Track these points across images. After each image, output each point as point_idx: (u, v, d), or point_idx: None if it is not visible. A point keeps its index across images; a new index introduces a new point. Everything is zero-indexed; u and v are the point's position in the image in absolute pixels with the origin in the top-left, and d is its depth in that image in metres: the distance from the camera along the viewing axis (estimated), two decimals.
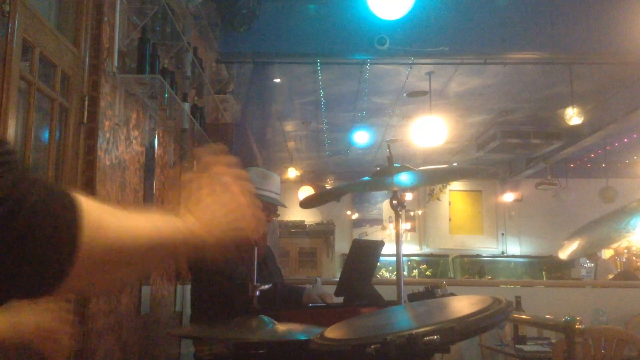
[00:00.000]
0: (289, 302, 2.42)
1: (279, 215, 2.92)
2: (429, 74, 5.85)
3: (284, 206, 2.75)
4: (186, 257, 0.73)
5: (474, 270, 10.11)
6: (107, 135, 2.41)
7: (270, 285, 1.82)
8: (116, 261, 0.62)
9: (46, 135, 2.08)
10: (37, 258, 0.52)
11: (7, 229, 0.51)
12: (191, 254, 0.72)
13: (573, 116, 5.62)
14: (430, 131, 5.87)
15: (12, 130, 1.73)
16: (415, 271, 10.57)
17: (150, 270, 0.71)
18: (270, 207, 2.66)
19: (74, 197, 0.57)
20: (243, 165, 0.84)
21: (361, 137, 7.80)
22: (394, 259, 1.84)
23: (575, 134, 7.63)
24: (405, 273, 10.16)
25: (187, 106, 3.24)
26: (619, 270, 8.20)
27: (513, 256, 11.01)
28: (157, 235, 0.67)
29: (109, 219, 0.60)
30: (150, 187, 3.00)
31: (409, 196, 10.92)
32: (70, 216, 0.55)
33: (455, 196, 11.53)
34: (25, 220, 0.52)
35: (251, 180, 2.69)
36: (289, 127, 8.19)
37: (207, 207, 0.77)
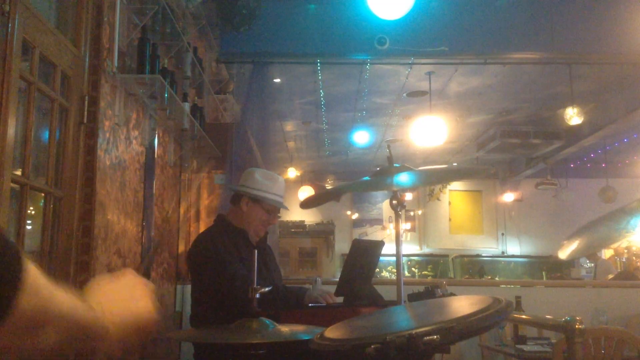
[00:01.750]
0: (291, 303, 2.42)
1: (280, 217, 2.93)
2: (429, 74, 5.85)
3: (286, 209, 2.75)
4: (92, 339, 0.77)
5: (474, 270, 10.11)
6: (107, 135, 2.41)
7: (271, 287, 1.82)
8: (40, 327, 0.63)
9: (46, 135, 2.08)
10: None
11: None
12: (97, 337, 0.76)
13: (573, 116, 5.62)
14: (430, 131, 5.87)
15: (12, 130, 1.73)
16: (415, 270, 10.57)
17: (62, 350, 0.74)
18: (273, 209, 2.66)
19: (19, 258, 0.58)
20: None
21: (361, 137, 7.80)
22: (394, 259, 1.84)
23: (575, 134, 7.63)
24: (406, 273, 10.19)
25: (187, 106, 3.24)
26: (619, 270, 8.20)
27: (513, 256, 11.01)
28: (77, 312, 0.70)
29: (46, 284, 0.62)
30: (150, 187, 3.00)
31: (409, 196, 10.92)
32: (15, 272, 0.56)
33: (455, 196, 11.53)
34: None
35: (256, 182, 2.67)
36: (289, 127, 8.19)
37: (111, 300, 0.82)
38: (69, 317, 0.67)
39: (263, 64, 4.89)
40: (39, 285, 0.61)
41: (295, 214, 10.72)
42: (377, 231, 11.20)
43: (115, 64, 2.45)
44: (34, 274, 0.59)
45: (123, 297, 0.83)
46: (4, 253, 0.56)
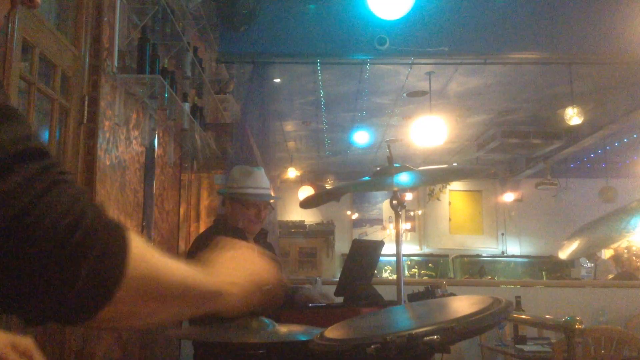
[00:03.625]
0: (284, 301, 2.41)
1: (272, 208, 2.89)
2: (429, 74, 5.85)
3: (271, 199, 2.71)
4: (213, 307, 0.77)
5: (474, 270, 10.10)
6: (107, 135, 2.41)
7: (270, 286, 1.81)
8: (154, 295, 0.63)
9: (46, 135, 2.08)
10: (87, 277, 0.53)
11: (66, 242, 0.52)
12: (217, 304, 0.77)
13: (573, 116, 5.62)
14: (430, 131, 5.87)
15: None
16: (415, 270, 10.57)
17: (181, 315, 0.76)
18: (253, 204, 2.60)
19: (123, 225, 0.59)
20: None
21: (361, 137, 7.80)
22: (394, 259, 1.84)
23: (575, 134, 7.63)
24: (406, 273, 10.19)
25: (187, 106, 3.24)
26: (619, 270, 8.20)
27: (513, 256, 11.00)
28: (192, 278, 0.70)
29: (152, 253, 0.63)
30: (150, 187, 3.00)
31: (409, 196, 10.92)
32: (120, 242, 0.57)
33: (455, 196, 11.53)
34: (82, 236, 0.53)
35: (233, 180, 2.67)
36: (289, 127, 8.19)
37: (231, 266, 0.84)
38: (182, 284, 0.67)
39: (263, 64, 4.89)
40: (146, 254, 0.61)
41: (295, 214, 10.73)
42: (377, 231, 11.20)
43: (115, 64, 2.45)
44: (140, 244, 0.60)
45: (244, 260, 0.85)
46: (109, 225, 0.57)
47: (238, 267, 0.84)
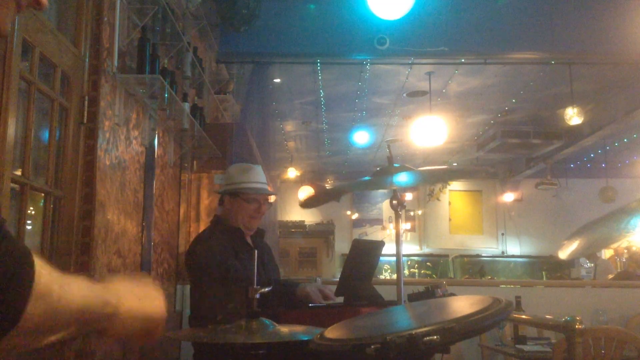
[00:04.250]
0: (284, 297, 2.41)
1: (271, 203, 2.91)
2: (429, 74, 5.85)
3: (270, 194, 2.73)
4: (103, 328, 0.78)
5: (474, 270, 10.10)
6: (107, 135, 2.41)
7: (271, 287, 1.82)
8: (50, 327, 0.64)
9: (46, 135, 2.08)
10: None
11: None
12: (107, 325, 0.78)
13: (573, 116, 5.62)
14: (430, 131, 5.87)
15: (12, 131, 1.73)
16: (415, 270, 10.57)
17: (71, 334, 0.77)
18: (254, 198, 2.63)
19: (31, 259, 0.59)
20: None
21: (361, 137, 7.80)
22: (394, 259, 1.84)
23: (575, 134, 7.63)
24: (406, 273, 10.19)
25: (187, 106, 3.24)
26: (618, 270, 8.20)
27: (513, 256, 11.00)
28: (88, 303, 0.71)
29: (55, 288, 0.63)
30: (150, 187, 3.00)
31: (409, 196, 10.93)
32: (25, 281, 0.57)
33: (455, 196, 11.53)
34: None
35: (231, 177, 2.67)
36: (289, 127, 8.19)
37: (128, 291, 0.85)
38: (79, 314, 0.69)
39: (263, 64, 4.89)
40: (49, 290, 0.62)
41: (295, 214, 10.72)
42: (377, 231, 11.20)
43: (115, 64, 2.45)
44: (44, 279, 0.60)
45: (139, 292, 0.86)
46: (15, 262, 0.57)
47: (132, 291, 0.85)
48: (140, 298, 0.85)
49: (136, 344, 0.86)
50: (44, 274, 0.61)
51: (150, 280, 0.92)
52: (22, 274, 0.57)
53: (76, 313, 0.68)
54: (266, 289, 1.68)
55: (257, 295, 1.64)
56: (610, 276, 7.31)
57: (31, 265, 0.58)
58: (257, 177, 2.65)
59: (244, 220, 2.62)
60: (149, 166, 2.97)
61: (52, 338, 0.66)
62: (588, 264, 9.42)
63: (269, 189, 2.76)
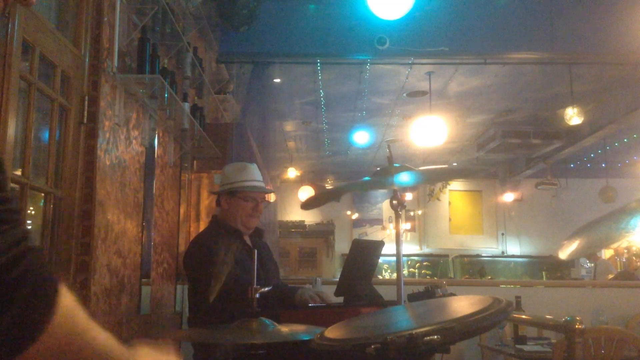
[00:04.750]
0: (282, 301, 2.41)
1: (269, 201, 2.91)
2: (429, 74, 5.85)
3: (266, 191, 2.72)
4: None
5: (474, 270, 10.10)
6: (107, 135, 2.41)
7: (270, 287, 1.82)
8: (71, 356, 0.61)
9: (46, 135, 2.08)
10: (9, 323, 0.51)
11: None
12: None
13: (573, 116, 5.62)
14: (430, 131, 5.87)
15: (12, 130, 1.73)
16: (415, 270, 10.56)
17: None
18: (251, 196, 2.63)
19: (57, 277, 0.57)
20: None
21: (361, 137, 7.79)
22: (394, 259, 1.84)
23: (575, 134, 7.63)
24: (405, 272, 10.19)
25: (187, 106, 3.24)
26: (619, 270, 8.20)
27: (513, 256, 11.01)
28: (110, 350, 0.67)
29: (81, 314, 0.61)
30: (150, 187, 3.00)
31: (409, 196, 10.93)
32: (50, 295, 0.56)
33: (455, 196, 11.53)
34: (15, 280, 0.51)
35: (227, 177, 2.68)
36: (289, 127, 8.19)
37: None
38: (101, 353, 0.66)
39: (263, 64, 4.89)
40: (75, 315, 0.60)
41: (295, 214, 10.72)
42: (377, 231, 11.20)
43: (115, 64, 2.45)
44: (71, 303, 0.58)
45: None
46: (41, 273, 0.55)
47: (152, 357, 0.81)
48: None
49: None
50: (71, 298, 0.59)
51: (172, 350, 0.88)
52: (50, 288, 0.56)
53: (100, 354, 0.64)
54: (265, 289, 1.68)
55: (257, 295, 1.64)
56: (610, 276, 7.32)
57: (57, 283, 0.57)
58: (253, 175, 2.65)
59: (242, 219, 2.62)
60: (149, 166, 2.97)
61: None
62: (588, 264, 9.43)
63: (267, 187, 2.76)
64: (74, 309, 0.60)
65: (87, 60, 2.31)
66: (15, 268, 0.51)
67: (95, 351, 0.64)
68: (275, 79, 5.80)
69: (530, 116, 7.64)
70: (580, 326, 1.96)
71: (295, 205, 10.13)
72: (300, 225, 10.95)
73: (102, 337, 0.65)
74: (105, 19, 2.39)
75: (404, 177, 1.80)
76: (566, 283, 5.60)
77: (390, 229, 10.79)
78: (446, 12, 4.81)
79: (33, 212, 2.13)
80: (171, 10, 3.06)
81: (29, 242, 0.55)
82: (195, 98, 3.77)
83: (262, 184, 2.68)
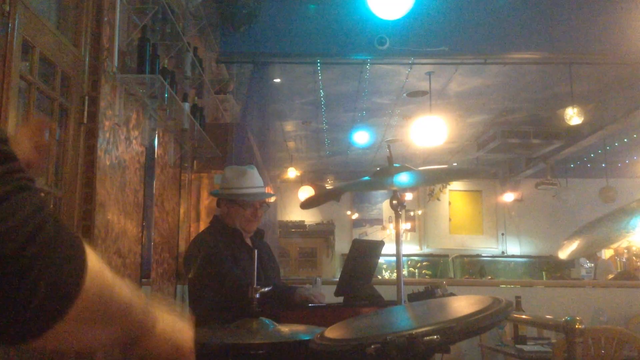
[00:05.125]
0: (281, 300, 2.41)
1: (269, 205, 2.91)
2: (429, 74, 5.85)
3: (265, 197, 2.72)
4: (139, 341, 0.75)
5: (474, 270, 10.11)
6: (107, 135, 2.41)
7: (271, 287, 1.81)
8: (103, 313, 0.61)
9: (46, 135, 2.08)
10: (44, 292, 0.50)
11: (23, 252, 0.49)
12: (141, 337, 0.74)
13: (573, 116, 5.62)
14: (430, 131, 5.87)
15: (12, 131, 1.73)
16: (414, 269, 10.56)
17: (112, 342, 0.74)
18: (249, 204, 2.62)
19: (80, 238, 0.57)
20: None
21: (361, 137, 7.79)
22: (394, 259, 1.84)
23: (575, 134, 7.63)
24: (405, 272, 10.19)
25: (187, 106, 3.24)
26: (619, 270, 8.20)
27: (513, 256, 11.01)
28: (136, 300, 0.68)
29: (106, 268, 0.61)
30: (150, 187, 3.00)
31: (409, 196, 10.92)
32: (79, 256, 0.55)
33: (455, 196, 11.54)
34: (41, 247, 0.51)
35: (227, 181, 2.67)
36: (289, 127, 8.19)
37: (168, 318, 0.82)
38: (127, 309, 0.66)
39: (263, 64, 4.89)
40: (102, 271, 0.59)
41: (295, 214, 10.72)
42: (377, 231, 11.20)
43: (115, 64, 2.45)
44: (96, 259, 0.58)
45: (173, 319, 0.83)
46: (68, 237, 0.55)
47: (169, 315, 0.82)
48: (174, 325, 0.82)
49: None
50: (95, 255, 0.59)
51: (180, 311, 0.89)
52: (77, 249, 0.55)
53: (125, 308, 0.66)
54: (266, 289, 1.68)
55: (257, 295, 1.64)
56: (610, 276, 7.32)
57: (82, 244, 0.57)
58: (253, 181, 2.64)
59: (241, 224, 2.63)
60: (149, 166, 2.97)
61: (100, 335, 0.63)
62: (588, 264, 9.43)
63: (268, 189, 2.76)
64: (101, 266, 0.60)
65: (87, 60, 2.31)
66: (39, 237, 0.51)
67: (121, 306, 0.65)
68: (275, 79, 5.80)
69: (530, 116, 7.64)
70: (580, 326, 1.96)
71: (295, 205, 10.12)
72: (300, 225, 10.95)
73: (125, 291, 0.65)
74: (105, 19, 2.39)
75: (404, 177, 1.80)
76: (566, 283, 5.60)
77: (390, 229, 10.79)
78: (446, 12, 4.81)
79: None
80: (171, 10, 3.06)
81: (49, 207, 0.56)
82: (195, 98, 3.77)
83: (261, 190, 2.67)
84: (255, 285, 1.66)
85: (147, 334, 0.74)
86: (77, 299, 0.54)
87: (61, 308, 0.53)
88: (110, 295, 0.62)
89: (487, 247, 11.23)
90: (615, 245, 8.13)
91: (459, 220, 11.43)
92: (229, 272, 2.38)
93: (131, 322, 0.69)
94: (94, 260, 0.57)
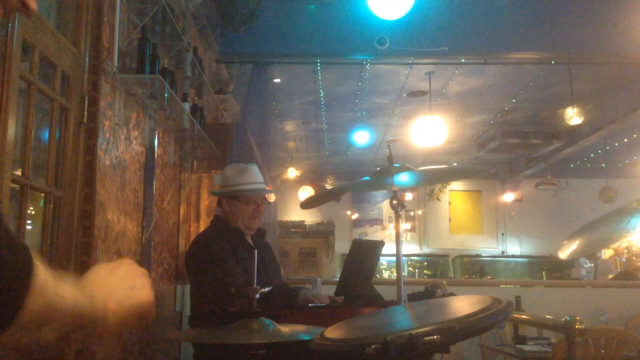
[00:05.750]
0: (284, 301, 2.41)
1: (269, 202, 2.92)
2: (429, 74, 5.85)
3: (264, 193, 2.72)
4: (88, 328, 0.79)
5: (474, 270, 10.10)
6: (107, 135, 2.41)
7: (271, 287, 1.82)
8: (48, 319, 0.65)
9: (46, 135, 2.08)
10: None
11: None
12: (92, 326, 0.78)
13: (573, 116, 5.62)
14: (430, 131, 5.87)
15: (12, 130, 1.73)
16: (414, 269, 10.56)
17: (70, 327, 0.77)
18: (252, 200, 2.63)
19: (29, 255, 0.59)
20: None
21: (361, 137, 7.79)
22: (394, 259, 1.84)
23: (575, 134, 7.63)
24: (405, 272, 10.18)
25: (187, 106, 3.24)
26: (619, 270, 8.20)
27: (513, 256, 11.00)
28: (78, 307, 0.71)
29: (51, 282, 0.64)
30: (150, 187, 3.00)
31: (409, 196, 10.92)
32: (26, 276, 0.58)
33: (455, 196, 11.53)
34: None
35: (227, 179, 2.68)
36: (289, 127, 8.19)
37: (110, 288, 0.83)
38: (71, 313, 0.69)
39: (263, 64, 4.89)
40: (46, 284, 0.62)
41: (295, 214, 10.72)
42: (377, 231, 11.20)
43: (115, 64, 2.45)
44: (41, 275, 0.61)
45: (122, 285, 0.84)
46: (16, 259, 0.57)
47: (117, 292, 0.82)
48: (126, 287, 0.83)
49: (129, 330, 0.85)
50: (42, 268, 0.62)
51: (131, 263, 0.90)
52: (23, 268, 0.58)
53: (71, 307, 0.69)
54: (266, 289, 1.68)
55: (257, 295, 1.64)
56: (610, 276, 7.31)
57: (30, 259, 0.59)
58: (254, 177, 2.65)
59: (243, 221, 2.63)
60: (149, 166, 2.97)
61: (49, 333, 0.66)
62: (588, 264, 9.42)
63: (268, 187, 2.76)
64: (44, 282, 0.62)
65: (87, 60, 2.31)
66: None
67: (70, 307, 0.69)
68: (275, 79, 5.80)
69: (530, 116, 7.64)
70: (580, 326, 1.96)
71: (295, 205, 10.12)
72: (300, 225, 10.94)
73: (69, 296, 0.69)
74: (105, 19, 2.39)
75: (404, 177, 1.80)
76: (566, 283, 5.60)
77: (390, 229, 10.79)
78: (446, 12, 4.81)
79: (33, 212, 2.13)
80: (171, 10, 3.06)
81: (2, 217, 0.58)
82: (195, 98, 3.77)
83: (262, 186, 2.68)
84: (255, 286, 1.66)
85: (101, 313, 0.77)
86: (19, 314, 0.57)
87: (3, 323, 0.56)
88: (55, 302, 0.64)
89: (487, 247, 11.22)
90: (615, 245, 8.14)
91: (459, 220, 11.42)
92: (231, 271, 2.38)
93: (81, 314, 0.73)
94: (40, 273, 0.60)
